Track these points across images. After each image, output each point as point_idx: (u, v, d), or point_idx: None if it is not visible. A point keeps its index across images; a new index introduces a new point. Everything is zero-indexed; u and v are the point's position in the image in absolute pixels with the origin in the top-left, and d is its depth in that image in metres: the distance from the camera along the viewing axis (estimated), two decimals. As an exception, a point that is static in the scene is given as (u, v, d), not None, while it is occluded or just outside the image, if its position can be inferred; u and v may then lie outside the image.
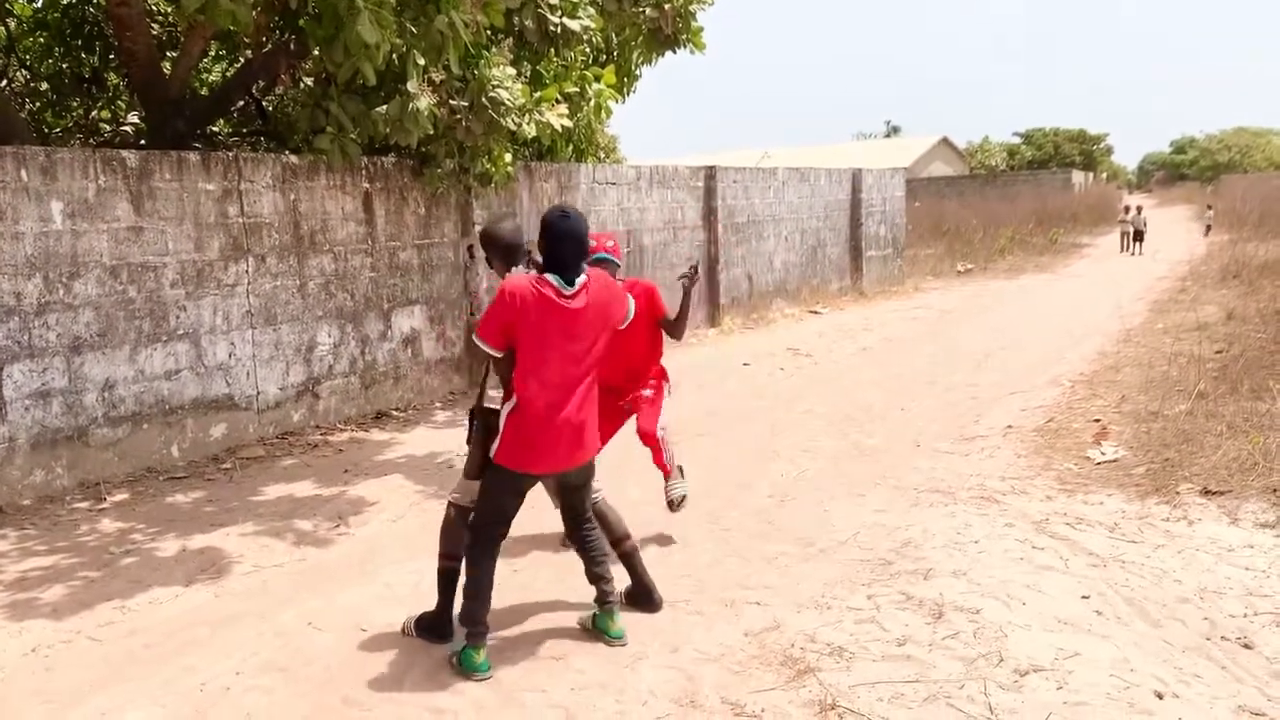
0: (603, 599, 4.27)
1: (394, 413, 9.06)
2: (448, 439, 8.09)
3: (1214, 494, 5.82)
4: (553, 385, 3.88)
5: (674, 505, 5.45)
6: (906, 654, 4.00)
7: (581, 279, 3.92)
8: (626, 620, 4.33)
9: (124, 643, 4.42)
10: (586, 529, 4.29)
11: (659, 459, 5.45)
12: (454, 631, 4.24)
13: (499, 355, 3.90)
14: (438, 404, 9.51)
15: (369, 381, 8.97)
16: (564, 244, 3.87)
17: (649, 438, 5.35)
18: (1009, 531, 5.42)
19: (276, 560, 5.46)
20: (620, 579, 4.46)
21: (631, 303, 4.31)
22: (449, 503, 4.31)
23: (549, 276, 3.87)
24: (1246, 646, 4.02)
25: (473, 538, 4.07)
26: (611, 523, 4.50)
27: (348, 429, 8.51)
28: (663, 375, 5.53)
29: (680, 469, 5.54)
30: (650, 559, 4.92)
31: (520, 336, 3.84)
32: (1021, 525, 5.51)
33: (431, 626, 4.29)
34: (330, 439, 8.19)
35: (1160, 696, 3.63)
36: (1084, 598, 4.51)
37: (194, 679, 4.03)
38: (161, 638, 4.45)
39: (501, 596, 4.80)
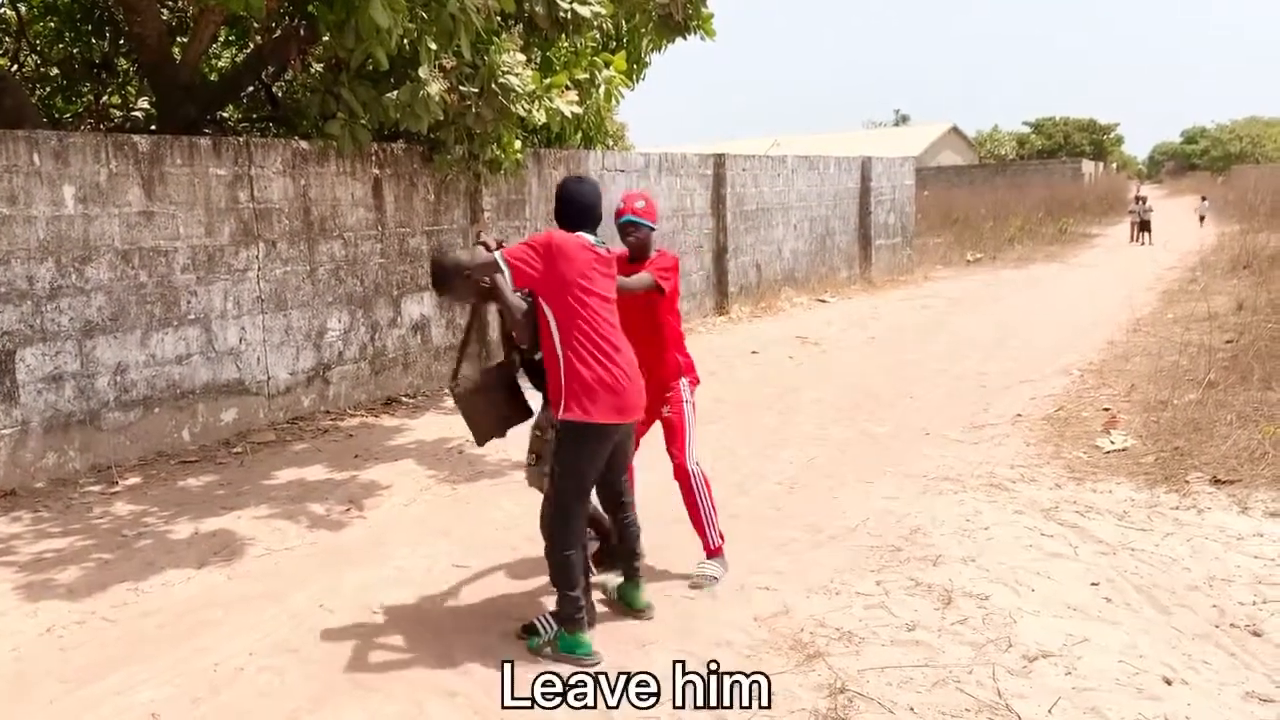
0: (632, 571, 4.33)
1: (404, 398, 9.09)
2: (457, 424, 8.08)
3: (1223, 483, 5.81)
4: (607, 333, 3.95)
5: (697, 584, 4.64)
6: (916, 639, 4.01)
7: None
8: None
9: (137, 623, 4.46)
10: (625, 499, 4.31)
11: (698, 522, 4.72)
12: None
13: (509, 279, 3.86)
14: (447, 390, 9.52)
15: (379, 367, 8.99)
16: (578, 207, 4.08)
17: (681, 474, 4.70)
18: (1018, 519, 5.43)
19: (288, 543, 5.49)
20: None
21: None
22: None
23: (583, 234, 4.05)
24: (1255, 634, 4.03)
25: (557, 518, 4.00)
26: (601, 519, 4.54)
27: (358, 414, 8.54)
28: (682, 372, 4.80)
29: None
30: (661, 544, 4.95)
31: (566, 281, 3.87)
32: (1031, 513, 5.52)
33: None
34: (340, 424, 8.22)
35: (1169, 682, 3.64)
36: (1093, 585, 4.53)
37: (207, 659, 4.06)
38: (174, 618, 4.49)
39: (521, 579, 4.84)
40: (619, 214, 4.66)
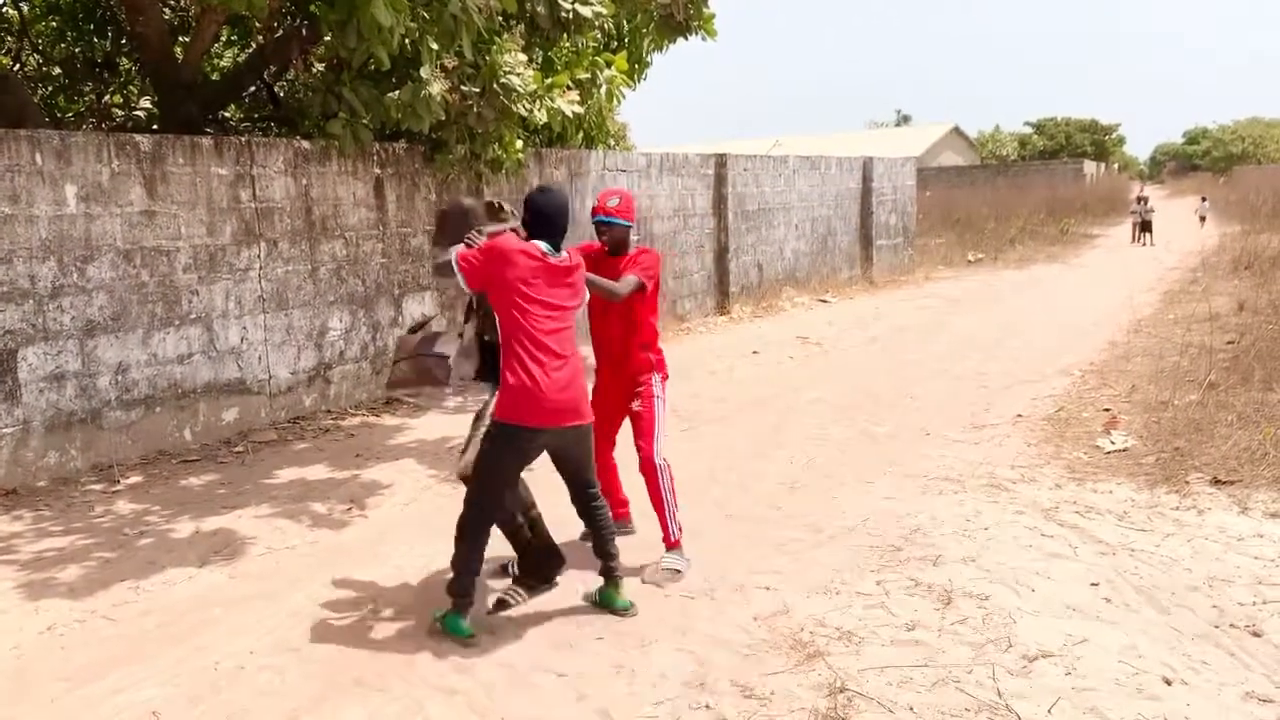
0: (609, 572, 4.38)
1: (404, 398, 9.08)
2: (458, 424, 8.10)
3: (1224, 484, 5.82)
4: (545, 340, 4.03)
5: (654, 580, 4.69)
6: (915, 639, 4.02)
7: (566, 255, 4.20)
8: (637, 606, 4.36)
9: (138, 622, 4.46)
10: (594, 504, 4.38)
11: (661, 514, 4.78)
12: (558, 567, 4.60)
13: (465, 288, 4.10)
14: (448, 390, 9.52)
15: (380, 367, 8.99)
16: (539, 218, 4.17)
17: (648, 466, 4.77)
18: (1018, 519, 5.43)
19: (289, 542, 5.50)
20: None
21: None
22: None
23: (537, 242, 4.14)
24: (1255, 634, 4.03)
25: (474, 510, 4.15)
26: (520, 494, 4.58)
27: (359, 414, 8.54)
28: (654, 368, 4.91)
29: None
30: (657, 542, 4.95)
31: (505, 285, 4.00)
32: (1031, 513, 5.52)
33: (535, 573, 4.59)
34: (341, 423, 8.23)
35: (1169, 683, 3.64)
36: (1093, 585, 4.53)
37: (207, 658, 4.07)
38: (175, 617, 4.50)
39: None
40: (593, 213, 4.82)
